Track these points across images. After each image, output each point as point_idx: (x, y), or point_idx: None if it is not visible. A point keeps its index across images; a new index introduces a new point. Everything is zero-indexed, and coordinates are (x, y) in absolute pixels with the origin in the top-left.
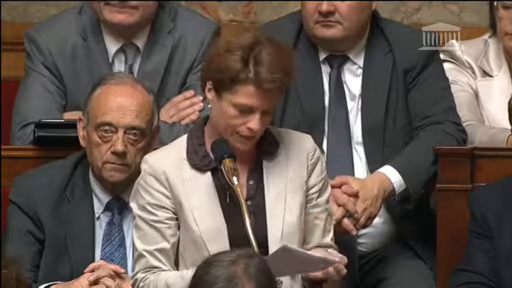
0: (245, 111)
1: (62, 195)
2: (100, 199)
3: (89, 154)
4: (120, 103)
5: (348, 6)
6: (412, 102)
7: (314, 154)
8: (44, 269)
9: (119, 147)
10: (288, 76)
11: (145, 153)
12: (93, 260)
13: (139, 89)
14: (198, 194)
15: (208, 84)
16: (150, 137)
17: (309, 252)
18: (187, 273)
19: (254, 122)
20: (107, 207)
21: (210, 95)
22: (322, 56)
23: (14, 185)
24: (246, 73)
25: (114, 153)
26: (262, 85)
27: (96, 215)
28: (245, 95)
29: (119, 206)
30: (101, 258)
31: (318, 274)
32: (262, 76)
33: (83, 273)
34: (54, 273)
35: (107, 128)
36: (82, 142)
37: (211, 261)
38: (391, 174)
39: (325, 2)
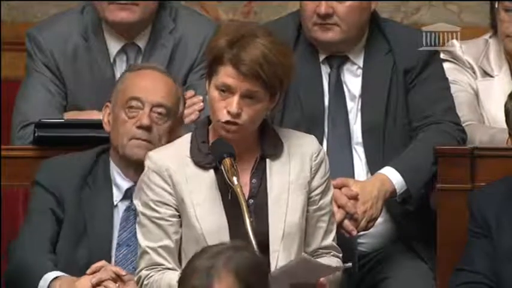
0: (225, 92)
1: (84, 181)
2: (119, 187)
3: (114, 136)
4: (148, 82)
5: (346, 8)
6: (412, 102)
7: (318, 155)
8: (61, 252)
9: (145, 120)
10: (269, 67)
11: (169, 138)
12: (110, 246)
13: (167, 76)
14: (201, 192)
15: (207, 75)
16: (174, 121)
17: (325, 263)
18: None
19: (232, 105)
20: (126, 195)
21: (207, 86)
22: (321, 56)
23: (41, 168)
24: (228, 54)
25: (139, 127)
26: (240, 67)
27: (114, 203)
28: (224, 75)
29: None
30: (117, 244)
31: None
32: (241, 58)
33: (87, 272)
34: (71, 257)
35: (133, 103)
36: (107, 127)
37: (198, 253)
38: (392, 175)
39: (323, 4)
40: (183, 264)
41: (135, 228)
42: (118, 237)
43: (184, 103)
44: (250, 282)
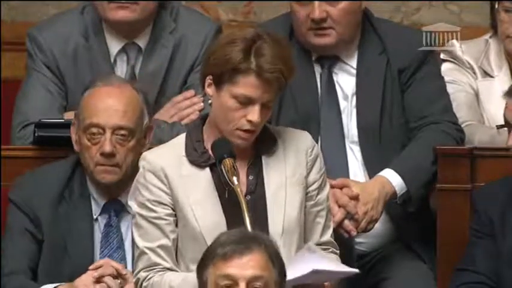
0: (245, 102)
1: (61, 196)
2: (97, 201)
3: (82, 158)
4: (106, 104)
5: (339, 10)
6: (408, 102)
7: (313, 150)
8: (43, 270)
9: (107, 147)
10: (288, 69)
11: (136, 153)
12: (92, 263)
13: (126, 89)
14: (197, 190)
15: (208, 79)
16: (140, 136)
17: (333, 269)
18: (189, 276)
19: (254, 114)
20: (104, 210)
21: (210, 90)
22: (313, 56)
23: (15, 185)
24: (248, 64)
25: (102, 154)
26: (263, 75)
27: (94, 217)
28: (246, 85)
29: (115, 208)
30: None
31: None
32: (264, 66)
33: (87, 271)
34: (54, 275)
35: (94, 130)
36: (75, 147)
37: (225, 232)
38: (392, 177)
39: (316, 9)
40: (181, 265)
41: (116, 243)
42: (100, 254)
43: (149, 112)
44: (278, 266)
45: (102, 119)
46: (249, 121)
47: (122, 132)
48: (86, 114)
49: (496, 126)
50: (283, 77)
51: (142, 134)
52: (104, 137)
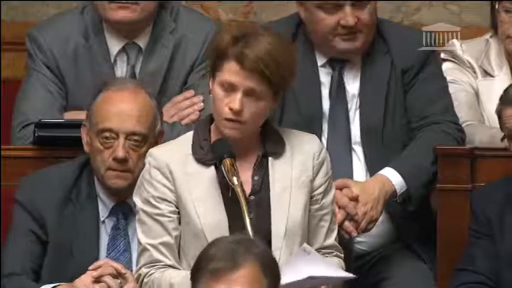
0: (228, 89)
1: (68, 197)
2: (105, 203)
3: (92, 160)
4: (121, 109)
5: (367, 13)
6: (410, 102)
7: (320, 154)
8: (47, 272)
9: (120, 153)
10: (278, 70)
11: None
12: None
13: (140, 94)
14: (201, 188)
15: (209, 73)
16: (152, 141)
17: (330, 275)
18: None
19: (235, 102)
20: (112, 212)
21: (211, 84)
22: (321, 59)
23: (20, 185)
24: (233, 49)
25: (115, 159)
26: (244, 62)
27: (101, 219)
28: (228, 71)
29: (123, 211)
30: None
31: None
32: (246, 54)
33: (89, 268)
34: (58, 276)
35: (107, 134)
36: (86, 148)
37: (215, 241)
38: (392, 176)
39: (350, 16)
40: (183, 262)
41: (123, 246)
42: (106, 256)
43: (162, 115)
44: (271, 274)
45: (116, 124)
46: (230, 109)
47: (135, 137)
48: (99, 118)
49: (501, 139)
50: (268, 70)
51: (154, 139)
52: (117, 142)
